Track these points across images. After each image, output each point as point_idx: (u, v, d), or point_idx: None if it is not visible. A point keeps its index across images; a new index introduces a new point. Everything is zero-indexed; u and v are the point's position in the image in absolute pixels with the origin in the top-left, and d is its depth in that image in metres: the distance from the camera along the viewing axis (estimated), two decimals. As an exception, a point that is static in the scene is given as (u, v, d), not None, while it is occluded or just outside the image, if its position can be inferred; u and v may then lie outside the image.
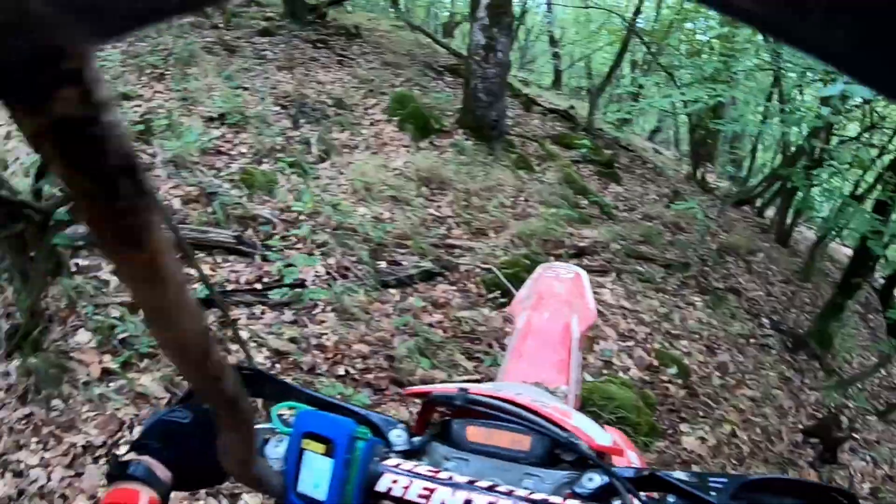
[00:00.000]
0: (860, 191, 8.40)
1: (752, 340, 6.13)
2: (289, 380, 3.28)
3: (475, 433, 0.99)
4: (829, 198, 7.88)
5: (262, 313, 3.89)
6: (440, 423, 1.04)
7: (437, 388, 1.06)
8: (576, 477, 0.91)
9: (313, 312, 4.01)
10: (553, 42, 16.12)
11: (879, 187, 6.90)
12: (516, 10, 13.51)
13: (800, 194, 6.62)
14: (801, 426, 5.26)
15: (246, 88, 6.71)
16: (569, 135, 8.92)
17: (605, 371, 4.48)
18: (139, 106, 5.76)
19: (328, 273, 4.34)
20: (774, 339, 6.54)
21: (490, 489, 0.83)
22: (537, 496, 0.82)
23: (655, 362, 4.83)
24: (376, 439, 0.91)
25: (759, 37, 6.91)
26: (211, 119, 5.95)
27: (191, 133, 5.49)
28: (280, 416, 0.95)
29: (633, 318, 5.28)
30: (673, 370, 4.81)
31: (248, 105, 6.33)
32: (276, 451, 0.90)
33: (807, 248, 10.03)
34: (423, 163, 6.03)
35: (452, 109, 7.39)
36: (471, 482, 0.85)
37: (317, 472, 0.85)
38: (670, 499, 0.88)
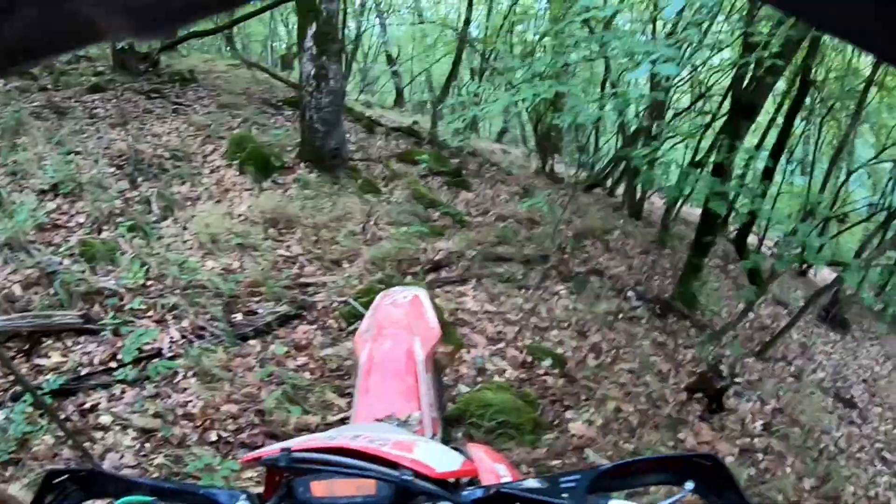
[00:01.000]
0: (700, 157, 8.82)
1: (620, 316, 6.31)
2: (160, 458, 3.23)
3: (319, 488, 0.97)
4: (667, 171, 8.26)
5: (123, 392, 3.71)
6: (285, 485, 1.01)
7: (266, 452, 1.02)
8: None
9: (175, 381, 3.86)
10: (391, 61, 16.22)
11: (716, 151, 7.24)
12: (350, 33, 13.59)
13: (644, 171, 6.86)
14: (683, 385, 5.41)
15: (78, 152, 6.43)
16: (414, 150, 9.00)
17: (479, 379, 4.51)
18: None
19: (183, 337, 4.21)
20: (642, 309, 6.77)
21: None
22: None
23: (529, 358, 4.90)
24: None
25: (586, 30, 7.14)
26: (44, 191, 5.67)
27: (23, 210, 5.24)
28: None
29: (500, 320, 5.36)
30: (548, 362, 4.88)
31: (81, 170, 6.06)
32: None
33: (659, 217, 10.48)
34: (268, 204, 5.94)
35: (292, 144, 7.31)
36: None
37: None
38: None
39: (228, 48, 13.14)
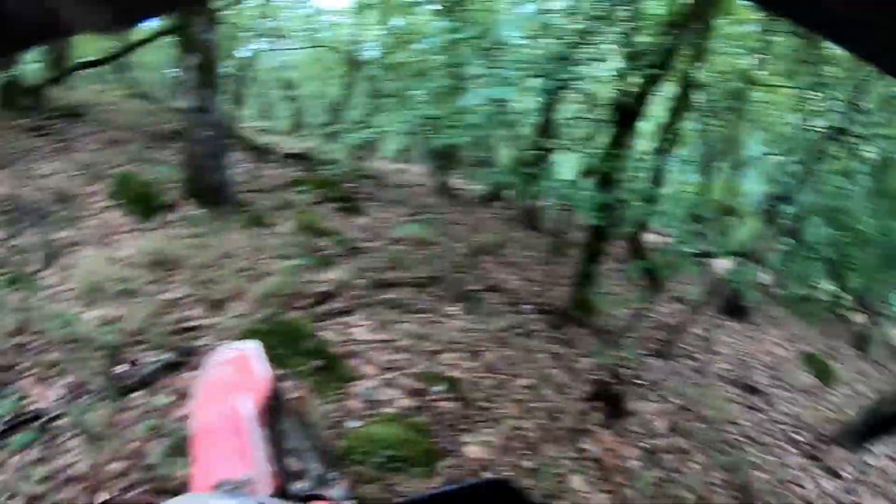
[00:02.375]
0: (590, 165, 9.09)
1: (517, 331, 6.32)
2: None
3: None
4: (556, 180, 8.38)
5: (6, 460, 3.63)
6: None
7: None
8: None
9: (58, 442, 3.75)
10: (287, 86, 16.13)
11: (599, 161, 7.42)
12: (243, 60, 13.47)
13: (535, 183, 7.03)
14: (582, 395, 5.42)
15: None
16: (306, 178, 9.01)
17: (368, 412, 4.48)
18: None
19: (67, 394, 4.15)
20: (540, 322, 6.81)
21: None
22: None
23: (421, 385, 4.86)
24: None
25: (479, 50, 7.25)
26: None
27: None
28: None
29: (390, 349, 5.32)
30: (441, 387, 4.86)
31: (-44, 224, 5.93)
32: None
33: (556, 224, 10.66)
34: (152, 245, 5.85)
35: (178, 180, 7.24)
36: None
37: None
38: None
39: (121, 77, 12.82)
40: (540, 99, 8.59)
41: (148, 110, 10.70)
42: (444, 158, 12.32)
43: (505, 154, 14.20)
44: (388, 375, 4.98)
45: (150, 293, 5.29)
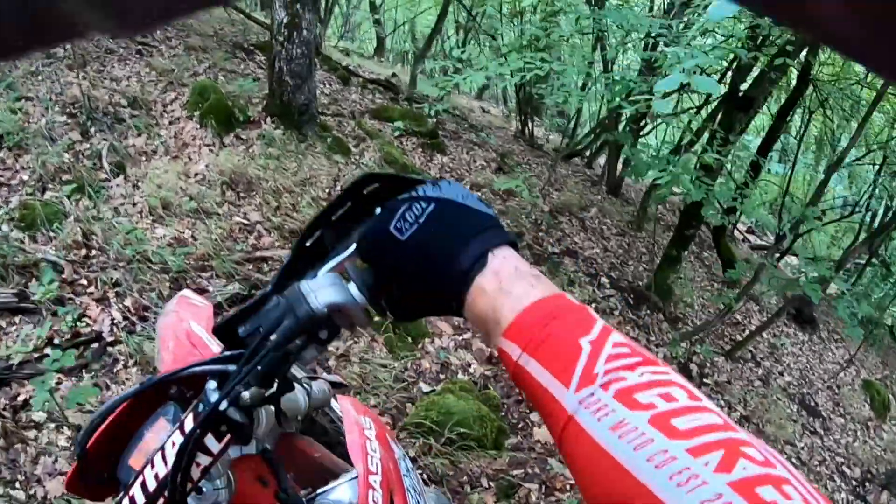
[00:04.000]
0: (685, 141, 8.40)
1: (594, 305, 5.98)
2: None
3: (134, 462, 0.98)
4: (650, 161, 7.84)
5: (59, 383, 3.33)
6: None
7: None
8: None
9: (115, 370, 3.48)
10: (374, 8, 15.44)
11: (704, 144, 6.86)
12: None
13: (627, 152, 6.46)
14: None
15: (29, 98, 5.89)
16: (390, 107, 8.46)
17: (442, 376, 4.18)
18: None
19: (126, 318, 3.80)
20: (616, 298, 6.45)
21: None
22: None
23: (495, 353, 4.51)
24: None
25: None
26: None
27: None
28: None
29: None
30: None
31: (31, 119, 5.55)
32: None
33: (637, 194, 10.08)
34: (228, 162, 5.45)
35: (260, 96, 6.74)
36: None
37: None
38: None
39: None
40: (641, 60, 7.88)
41: (231, 18, 10.17)
42: (528, 103, 11.62)
43: (595, 108, 13.44)
44: (464, 337, 4.58)
45: (222, 215, 4.91)
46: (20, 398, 3.21)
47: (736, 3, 0.26)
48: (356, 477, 1.10)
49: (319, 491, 1.13)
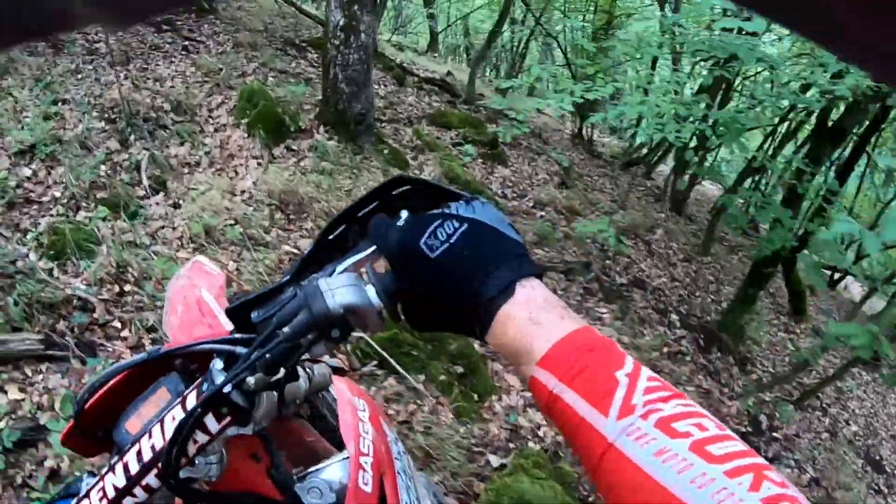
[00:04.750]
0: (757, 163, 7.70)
1: (665, 350, 5.49)
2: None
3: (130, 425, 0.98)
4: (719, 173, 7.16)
5: None
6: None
7: None
8: None
9: None
10: (428, 2, 14.83)
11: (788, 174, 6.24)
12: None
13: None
14: None
15: (66, 101, 5.45)
16: (448, 112, 7.86)
17: (512, 444, 3.66)
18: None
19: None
20: (687, 339, 5.90)
21: None
22: None
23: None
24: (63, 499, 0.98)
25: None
26: (21, 153, 4.74)
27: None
28: None
29: None
30: None
31: (66, 125, 5.11)
32: None
33: (699, 208, 9.43)
34: (278, 179, 4.93)
35: (312, 101, 6.20)
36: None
37: None
38: None
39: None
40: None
41: (282, 11, 9.67)
42: (588, 107, 10.93)
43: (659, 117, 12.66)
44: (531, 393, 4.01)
45: (270, 244, 4.38)
46: (47, 464, 2.76)
47: (735, 2, 0.25)
48: (348, 458, 1.11)
49: (310, 470, 1.13)
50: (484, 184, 6.59)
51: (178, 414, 0.87)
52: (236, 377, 0.83)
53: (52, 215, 4.18)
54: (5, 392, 3.07)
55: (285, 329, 0.80)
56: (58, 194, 4.38)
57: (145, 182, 4.66)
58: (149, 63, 6.49)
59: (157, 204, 4.52)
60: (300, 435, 1.28)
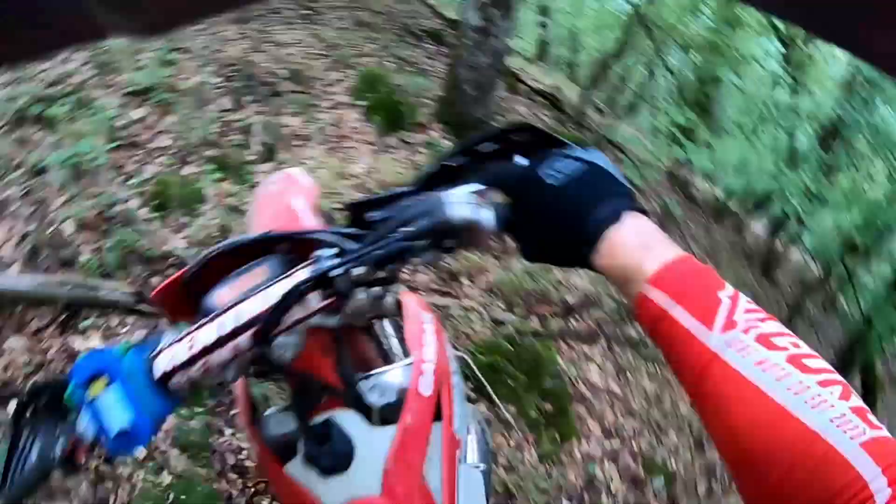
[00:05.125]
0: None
1: None
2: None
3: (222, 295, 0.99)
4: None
5: None
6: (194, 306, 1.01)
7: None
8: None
9: (230, 413, 2.82)
10: (544, 11, 14.51)
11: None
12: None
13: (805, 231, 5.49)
14: None
15: (185, 50, 5.26)
16: (557, 132, 7.51)
17: (586, 495, 3.41)
18: (42, 73, 4.35)
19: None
20: None
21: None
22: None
23: (641, 473, 3.78)
24: (139, 345, 0.90)
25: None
26: (134, 94, 4.54)
27: (100, 117, 4.10)
28: None
29: (622, 406, 4.13)
30: (659, 481, 3.82)
31: (182, 75, 4.91)
32: (86, 422, 0.84)
33: (789, 278, 8.97)
34: (390, 169, 4.66)
35: (432, 96, 5.92)
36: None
37: (115, 406, 0.83)
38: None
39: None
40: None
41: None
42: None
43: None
44: (612, 445, 3.82)
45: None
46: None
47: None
48: (411, 363, 1.12)
49: (373, 371, 1.13)
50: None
51: (284, 285, 0.88)
52: (349, 262, 0.86)
53: (158, 164, 3.97)
54: (87, 337, 2.93)
55: (403, 229, 0.86)
56: (166, 143, 4.17)
57: (256, 147, 4.42)
58: (267, 26, 6.29)
59: (264, 172, 4.28)
60: (363, 347, 1.29)
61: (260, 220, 1.35)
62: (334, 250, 0.89)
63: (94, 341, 2.99)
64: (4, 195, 3.59)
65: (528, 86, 8.64)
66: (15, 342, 3.06)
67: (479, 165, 0.94)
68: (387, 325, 1.41)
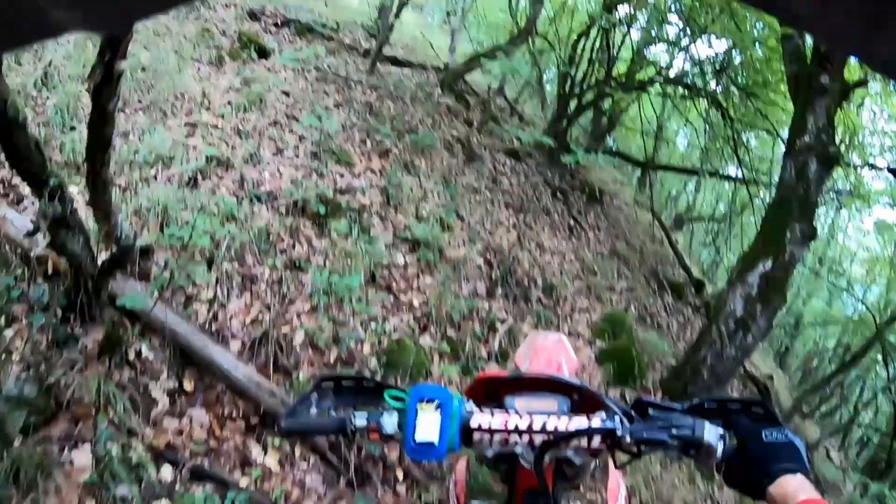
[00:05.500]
0: None
1: None
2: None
3: (521, 402, 1.28)
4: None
5: None
6: (497, 396, 1.32)
7: (495, 373, 1.41)
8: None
9: None
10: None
11: None
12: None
13: None
14: None
15: (461, 218, 5.41)
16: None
17: None
18: (342, 178, 4.57)
19: None
20: None
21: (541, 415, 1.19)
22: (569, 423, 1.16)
23: None
24: (465, 398, 1.23)
25: None
26: (406, 241, 4.66)
27: (372, 247, 4.23)
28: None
29: None
30: None
31: (452, 240, 5.02)
32: (390, 420, 1.21)
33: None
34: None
35: (663, 361, 5.68)
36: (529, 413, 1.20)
37: (429, 424, 1.16)
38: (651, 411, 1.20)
39: (639, 183, 11.68)
40: None
41: (653, 233, 9.40)
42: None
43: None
44: None
45: None
46: None
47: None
48: None
49: None
50: None
51: (580, 421, 1.15)
52: (630, 431, 1.14)
53: (401, 320, 3.96)
54: (263, 452, 2.98)
55: (671, 430, 1.14)
56: (415, 302, 4.18)
57: (496, 347, 4.35)
58: (535, 223, 6.38)
59: (489, 360, 4.18)
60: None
61: (535, 362, 1.69)
62: (617, 416, 1.15)
63: (270, 460, 2.92)
64: (256, 272, 3.70)
65: (745, 369, 8.13)
66: (200, 415, 3.03)
67: (723, 412, 1.21)
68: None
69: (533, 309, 5.05)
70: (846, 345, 11.60)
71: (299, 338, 3.52)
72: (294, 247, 4.10)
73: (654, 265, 8.08)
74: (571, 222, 7.11)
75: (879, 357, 10.46)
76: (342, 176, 5.00)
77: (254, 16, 7.46)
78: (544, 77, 12.33)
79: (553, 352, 1.75)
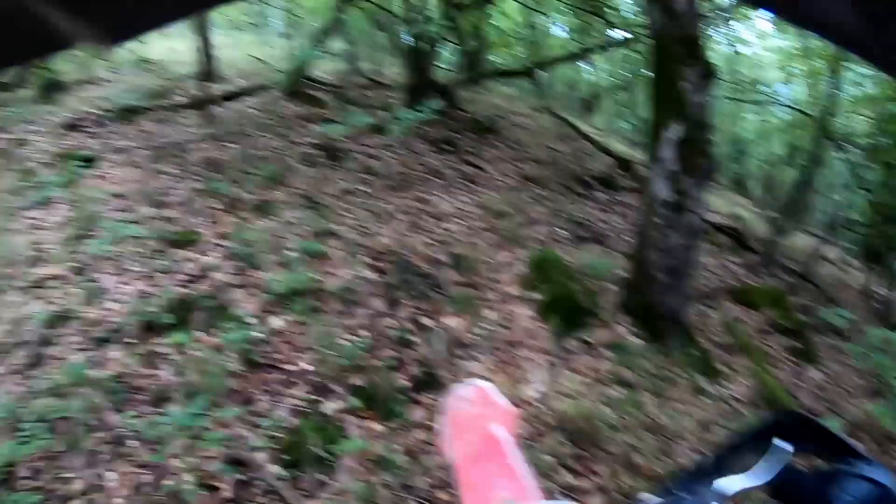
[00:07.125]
0: None
1: None
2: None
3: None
4: None
5: None
6: None
7: None
8: None
9: None
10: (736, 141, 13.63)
11: None
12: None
13: None
14: None
15: (335, 235, 4.66)
16: (749, 289, 6.20)
17: None
18: (190, 265, 3.84)
19: None
20: None
21: None
22: None
23: None
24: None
25: None
26: (277, 297, 3.92)
27: (232, 334, 3.49)
28: None
29: None
30: None
31: (330, 268, 4.28)
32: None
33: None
34: (567, 389, 3.71)
35: (613, 277, 4.92)
36: None
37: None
38: None
39: (531, 87, 10.93)
40: None
41: (562, 134, 8.64)
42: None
43: None
44: None
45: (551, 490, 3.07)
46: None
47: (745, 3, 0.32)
48: None
49: None
50: (790, 392, 4.83)
51: None
52: None
53: (291, 404, 3.25)
54: None
55: None
56: (304, 366, 3.48)
57: (412, 369, 3.64)
58: (426, 194, 5.63)
59: (420, 403, 3.46)
60: None
61: (459, 447, 1.20)
62: None
63: None
64: (120, 432, 2.99)
65: (711, 223, 7.43)
66: None
67: (743, 456, 0.84)
68: None
69: (448, 294, 4.32)
70: (795, 147, 11.02)
71: (190, 482, 2.82)
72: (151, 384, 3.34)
73: (575, 168, 7.33)
74: (468, 169, 6.35)
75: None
76: (190, 261, 4.23)
77: (72, 126, 6.59)
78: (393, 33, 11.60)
79: (476, 422, 1.25)
